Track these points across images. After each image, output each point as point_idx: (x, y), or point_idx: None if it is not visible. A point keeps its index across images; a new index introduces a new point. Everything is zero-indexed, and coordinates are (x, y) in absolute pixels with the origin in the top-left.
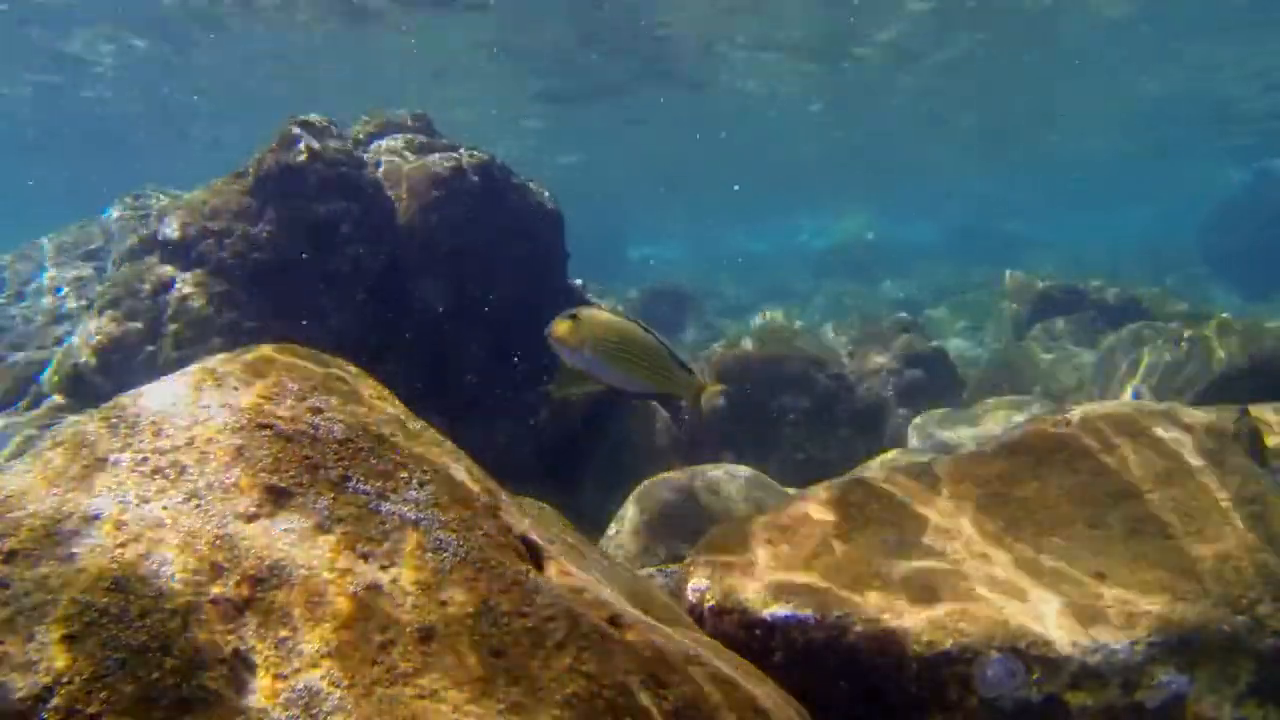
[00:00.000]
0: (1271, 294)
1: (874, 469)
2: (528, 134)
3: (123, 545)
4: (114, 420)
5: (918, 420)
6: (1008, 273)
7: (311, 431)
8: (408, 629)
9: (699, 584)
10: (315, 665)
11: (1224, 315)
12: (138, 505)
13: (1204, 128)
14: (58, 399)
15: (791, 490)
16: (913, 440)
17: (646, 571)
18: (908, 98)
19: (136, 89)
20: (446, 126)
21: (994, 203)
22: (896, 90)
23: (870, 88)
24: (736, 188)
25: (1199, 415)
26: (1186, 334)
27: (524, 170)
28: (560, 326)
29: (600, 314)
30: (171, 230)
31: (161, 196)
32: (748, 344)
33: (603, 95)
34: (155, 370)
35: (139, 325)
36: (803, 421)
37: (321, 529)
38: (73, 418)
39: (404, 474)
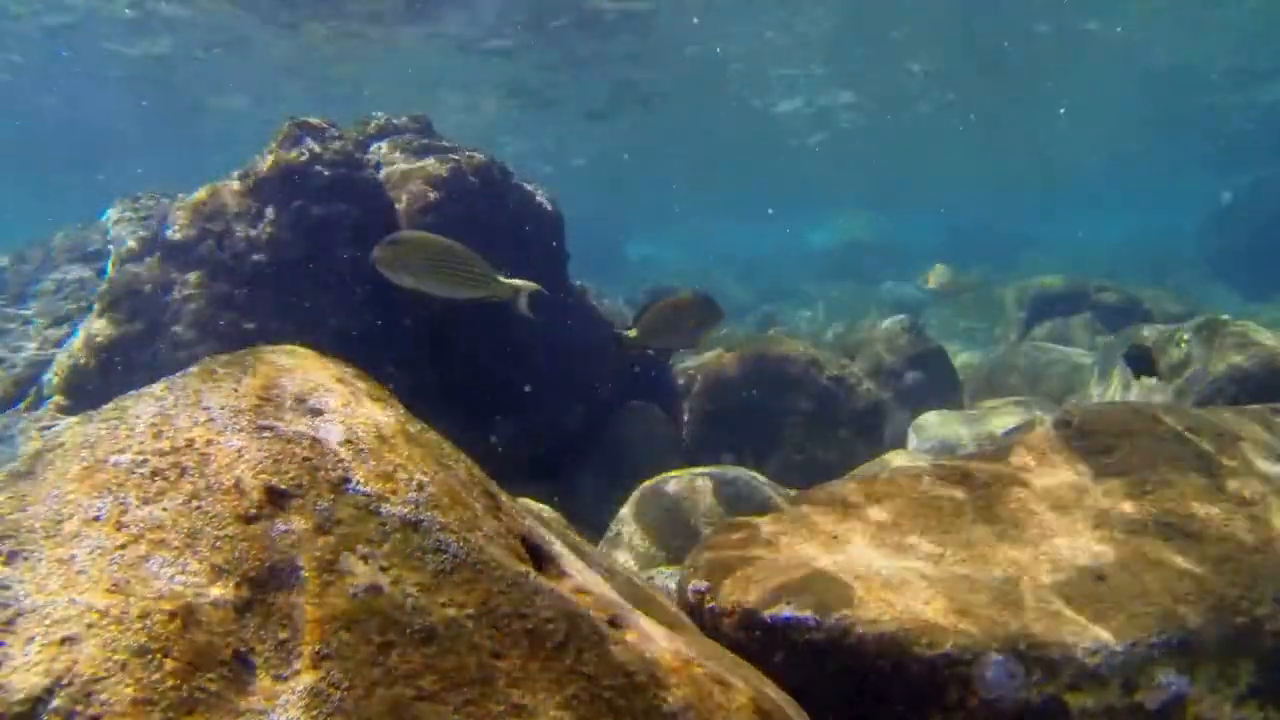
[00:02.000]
0: (1271, 294)
1: (874, 470)
2: (530, 131)
3: (123, 547)
4: (114, 421)
5: (918, 421)
6: (937, 267)
7: (312, 432)
8: (408, 631)
9: (699, 585)
10: (315, 667)
11: (1224, 316)
12: (138, 506)
13: (1203, 129)
14: (58, 400)
15: (791, 491)
16: (913, 441)
17: (646, 573)
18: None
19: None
20: (445, 127)
21: (994, 203)
22: (903, 87)
23: (878, 81)
24: (771, 211)
25: (1198, 416)
26: (1186, 335)
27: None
28: (382, 253)
29: (416, 235)
30: (171, 231)
31: (160, 198)
32: (747, 346)
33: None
34: (155, 371)
35: (139, 326)
36: (802, 423)
37: (322, 530)
38: (73, 419)
39: (404, 475)
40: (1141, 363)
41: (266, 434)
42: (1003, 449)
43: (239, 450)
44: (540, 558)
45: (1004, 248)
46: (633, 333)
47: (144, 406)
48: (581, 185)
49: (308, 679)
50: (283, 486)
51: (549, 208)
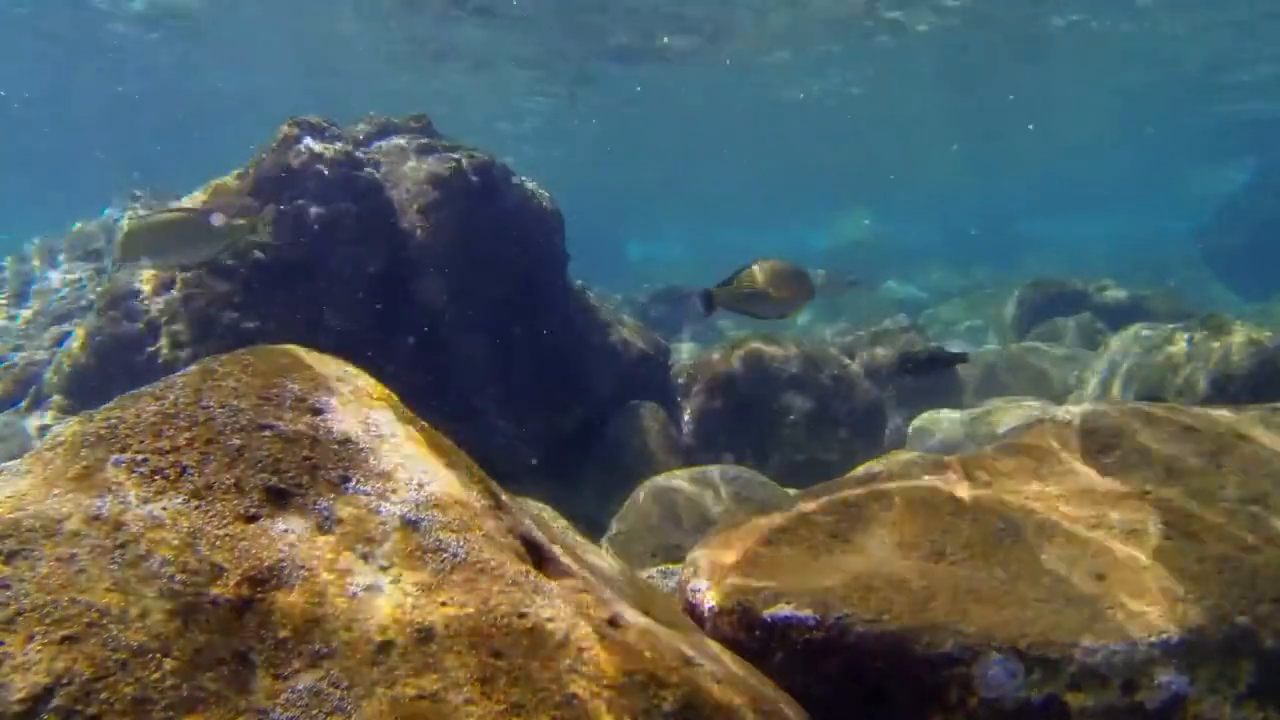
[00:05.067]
0: (1271, 294)
1: (873, 468)
2: (526, 125)
3: (123, 546)
4: (114, 421)
5: (917, 421)
6: (820, 272)
7: (312, 432)
8: (408, 630)
9: (699, 585)
10: (315, 666)
11: (1224, 316)
12: (138, 506)
13: (1203, 128)
14: (58, 399)
15: (791, 491)
16: (913, 441)
17: (646, 572)
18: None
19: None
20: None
21: (994, 203)
22: (903, 78)
23: (878, 74)
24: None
25: (1199, 415)
26: (1186, 335)
27: (524, 166)
28: (117, 253)
29: (139, 223)
30: None
31: (161, 196)
32: (746, 346)
33: (610, 76)
34: (156, 371)
35: (139, 325)
36: (802, 422)
37: (321, 529)
38: (73, 418)
39: (404, 474)
40: (913, 364)
41: (267, 433)
42: (1002, 448)
43: (239, 449)
44: (540, 557)
45: (1004, 248)
46: (719, 291)
47: (144, 406)
48: (582, 170)
49: (308, 678)
50: (283, 486)
51: (549, 207)
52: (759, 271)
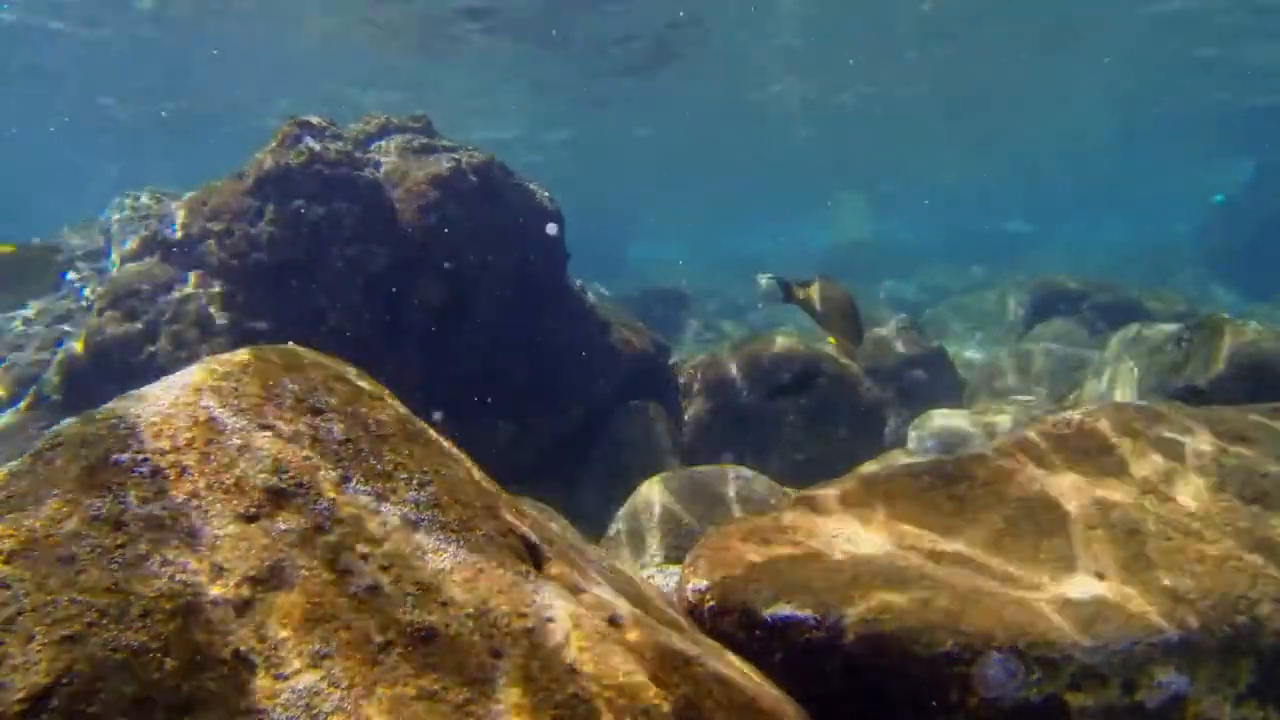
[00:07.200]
0: (1271, 294)
1: (873, 469)
2: (522, 124)
3: (122, 546)
4: (114, 421)
5: (918, 421)
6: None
7: (312, 432)
8: (408, 630)
9: (698, 584)
10: (315, 666)
11: (1224, 315)
12: (138, 505)
13: (1203, 128)
14: (58, 399)
15: (791, 491)
16: (913, 441)
17: (647, 572)
18: (912, 88)
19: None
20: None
21: (994, 203)
22: (901, 80)
23: (876, 76)
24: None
25: (1198, 415)
26: (1185, 334)
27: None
28: None
29: None
30: (172, 231)
31: (161, 197)
32: (747, 346)
33: (605, 81)
34: (156, 371)
35: (139, 325)
36: (802, 422)
37: (321, 530)
38: (73, 418)
39: (404, 475)
40: (783, 387)
41: (267, 433)
42: (1003, 447)
43: (239, 449)
44: (540, 557)
45: (1004, 247)
46: (802, 291)
47: (144, 406)
48: (574, 173)
49: (308, 678)
50: (283, 486)
51: (549, 206)
52: (829, 293)
